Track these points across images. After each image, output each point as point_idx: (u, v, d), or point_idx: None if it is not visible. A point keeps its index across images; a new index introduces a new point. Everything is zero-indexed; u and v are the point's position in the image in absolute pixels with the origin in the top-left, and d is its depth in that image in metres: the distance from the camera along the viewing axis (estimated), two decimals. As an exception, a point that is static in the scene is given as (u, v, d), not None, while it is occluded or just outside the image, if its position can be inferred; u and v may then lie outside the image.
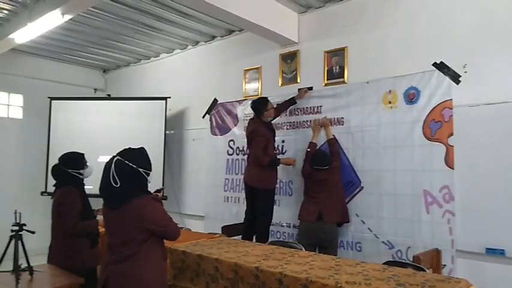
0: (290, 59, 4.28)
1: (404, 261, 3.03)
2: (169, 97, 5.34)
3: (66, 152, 2.87)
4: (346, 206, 3.52)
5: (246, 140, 3.95)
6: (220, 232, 3.64)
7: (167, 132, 5.38)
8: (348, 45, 3.81)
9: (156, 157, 3.88)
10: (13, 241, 2.24)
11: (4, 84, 5.89)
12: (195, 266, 2.49)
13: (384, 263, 2.37)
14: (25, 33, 4.46)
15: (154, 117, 5.38)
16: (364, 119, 3.54)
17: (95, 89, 6.88)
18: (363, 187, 3.51)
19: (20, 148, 5.98)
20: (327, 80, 3.93)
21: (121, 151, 2.03)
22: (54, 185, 2.81)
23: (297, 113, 4.03)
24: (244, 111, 4.51)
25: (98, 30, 4.95)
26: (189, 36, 5.14)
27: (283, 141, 4.13)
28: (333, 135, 3.67)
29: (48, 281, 2.28)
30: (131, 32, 4.98)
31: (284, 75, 4.34)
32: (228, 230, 3.68)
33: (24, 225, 2.27)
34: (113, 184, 1.92)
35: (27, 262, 2.27)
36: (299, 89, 4.01)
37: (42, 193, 5.45)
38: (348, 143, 3.63)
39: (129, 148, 2.06)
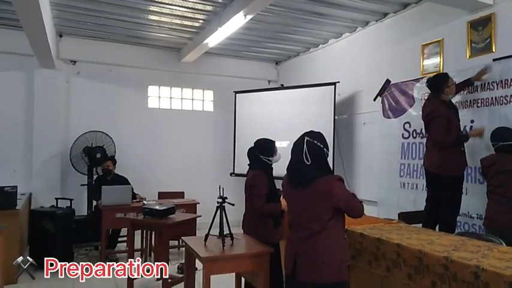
0: (482, 25, 3.66)
1: None
2: (338, 82, 5.36)
3: (260, 137, 3.13)
4: None
5: (423, 122, 3.62)
6: (396, 219, 3.47)
7: (336, 117, 5.42)
8: None
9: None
10: (218, 211, 2.69)
11: (199, 83, 7.08)
12: (373, 249, 2.47)
13: None
14: (216, 37, 5.23)
15: (324, 103, 5.50)
16: None
17: (269, 81, 7.50)
18: None
19: (213, 136, 7.09)
20: (537, 43, 3.20)
21: (307, 132, 2.17)
22: (248, 165, 3.17)
23: (491, 87, 3.43)
24: (422, 90, 4.13)
25: (271, 25, 5.36)
26: (358, 18, 5.02)
27: (472, 122, 3.60)
28: None
29: (245, 247, 2.65)
30: (300, 22, 5.20)
31: (473, 45, 3.75)
32: (406, 217, 3.47)
33: (226, 198, 2.69)
34: (305, 161, 2.08)
35: (229, 229, 2.69)
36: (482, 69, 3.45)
37: (231, 174, 6.34)
38: None
39: (312, 131, 2.20)
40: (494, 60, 3.43)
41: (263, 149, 3.04)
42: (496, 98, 3.40)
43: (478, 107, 3.55)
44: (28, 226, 4.65)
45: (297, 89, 6.02)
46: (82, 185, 5.68)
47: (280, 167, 2.96)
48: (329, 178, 2.08)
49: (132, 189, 4.98)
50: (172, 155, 6.70)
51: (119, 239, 5.19)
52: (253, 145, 3.10)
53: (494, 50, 3.57)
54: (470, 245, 2.24)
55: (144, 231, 4.92)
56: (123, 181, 5.17)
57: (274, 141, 3.10)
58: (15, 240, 3.96)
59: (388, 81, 4.60)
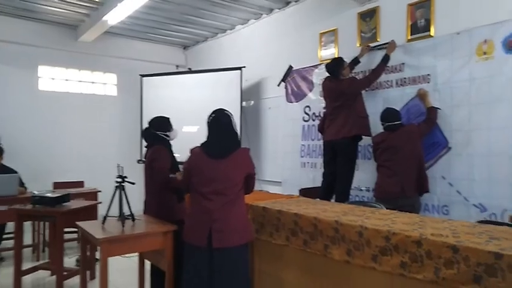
0: (369, 16, 4.06)
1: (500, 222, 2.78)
2: (244, 66, 5.46)
3: (154, 116, 3.09)
4: (426, 175, 3.26)
5: (321, 105, 3.89)
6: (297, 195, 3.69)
7: (244, 103, 5.52)
8: (436, -5, 3.49)
9: (234, 124, 4.05)
10: (118, 191, 2.55)
11: (100, 65, 6.57)
12: (275, 221, 2.58)
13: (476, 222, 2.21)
14: (116, 14, 4.88)
15: (231, 87, 5.56)
16: (454, 74, 3.24)
17: (177, 66, 7.30)
18: (450, 148, 3.26)
19: (117, 122, 6.67)
20: (411, 35, 3.65)
21: (223, 109, 2.33)
22: (145, 146, 3.08)
23: (376, 73, 3.84)
24: (320, 75, 4.42)
25: (177, 6, 5.21)
26: (264, 5, 5.16)
27: (361, 104, 3.98)
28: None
29: (147, 226, 2.56)
30: (208, 5, 5.15)
31: (363, 34, 4.14)
32: (306, 193, 3.71)
33: (126, 177, 2.56)
34: (235, 131, 2.30)
35: (130, 210, 2.56)
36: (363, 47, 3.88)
37: (138, 161, 6.06)
38: (434, 101, 3.37)
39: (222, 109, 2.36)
40: (378, 48, 3.82)
41: (159, 125, 3.00)
42: (380, 82, 3.80)
43: (365, 90, 3.92)
44: None
45: (204, 73, 5.97)
46: (-45, 177, 4.87)
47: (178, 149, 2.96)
48: (245, 149, 2.31)
49: (20, 179, 4.43)
50: (71, 142, 6.14)
51: (5, 236, 4.59)
52: (147, 125, 3.01)
53: (379, 39, 3.99)
54: (357, 210, 2.49)
55: (36, 224, 4.47)
56: (12, 173, 4.55)
57: (168, 118, 3.08)
58: None
59: (290, 68, 4.82)
